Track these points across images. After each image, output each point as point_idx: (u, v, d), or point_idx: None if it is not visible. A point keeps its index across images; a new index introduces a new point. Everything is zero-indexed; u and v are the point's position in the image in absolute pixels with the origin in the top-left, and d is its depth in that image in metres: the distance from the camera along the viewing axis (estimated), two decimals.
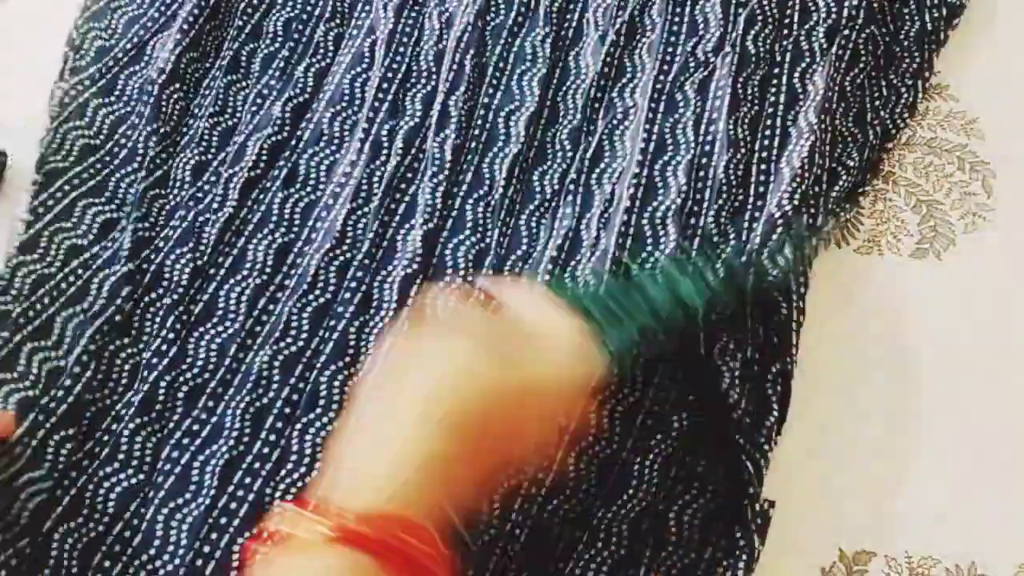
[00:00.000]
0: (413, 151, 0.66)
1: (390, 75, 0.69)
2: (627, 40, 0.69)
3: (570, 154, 0.66)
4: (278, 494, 0.55)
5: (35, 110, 0.69)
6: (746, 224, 0.61)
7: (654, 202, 0.61)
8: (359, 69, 0.70)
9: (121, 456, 0.57)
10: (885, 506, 0.56)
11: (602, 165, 0.65)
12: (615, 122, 0.66)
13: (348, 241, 0.63)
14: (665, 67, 0.67)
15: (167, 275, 0.62)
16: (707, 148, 0.63)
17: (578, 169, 0.65)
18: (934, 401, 0.60)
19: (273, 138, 0.67)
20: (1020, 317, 0.62)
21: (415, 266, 0.61)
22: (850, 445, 0.58)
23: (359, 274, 0.62)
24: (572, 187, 0.64)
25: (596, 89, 0.68)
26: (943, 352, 0.61)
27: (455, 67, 0.68)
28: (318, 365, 0.59)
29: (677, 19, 0.69)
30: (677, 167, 0.63)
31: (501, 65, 0.70)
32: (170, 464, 0.56)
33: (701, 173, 0.62)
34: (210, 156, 0.67)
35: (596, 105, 0.67)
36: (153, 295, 0.61)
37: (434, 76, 0.69)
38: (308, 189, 0.66)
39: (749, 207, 0.62)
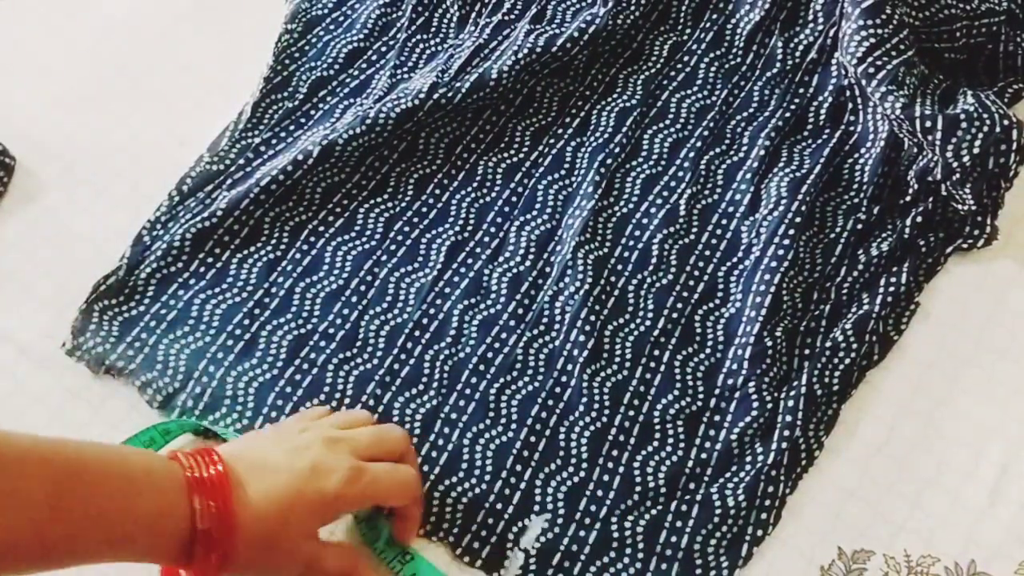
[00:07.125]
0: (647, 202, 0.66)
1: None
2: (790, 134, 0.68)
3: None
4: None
5: (40, 112, 0.70)
6: None
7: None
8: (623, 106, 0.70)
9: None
10: (884, 504, 0.56)
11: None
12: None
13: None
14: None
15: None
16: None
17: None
18: (933, 399, 0.60)
19: (511, 159, 0.68)
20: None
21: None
22: (849, 443, 0.58)
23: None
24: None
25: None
26: (942, 352, 0.61)
27: (687, 163, 0.68)
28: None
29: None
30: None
31: (734, 159, 0.68)
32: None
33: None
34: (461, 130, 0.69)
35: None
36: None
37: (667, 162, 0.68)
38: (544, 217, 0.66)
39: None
